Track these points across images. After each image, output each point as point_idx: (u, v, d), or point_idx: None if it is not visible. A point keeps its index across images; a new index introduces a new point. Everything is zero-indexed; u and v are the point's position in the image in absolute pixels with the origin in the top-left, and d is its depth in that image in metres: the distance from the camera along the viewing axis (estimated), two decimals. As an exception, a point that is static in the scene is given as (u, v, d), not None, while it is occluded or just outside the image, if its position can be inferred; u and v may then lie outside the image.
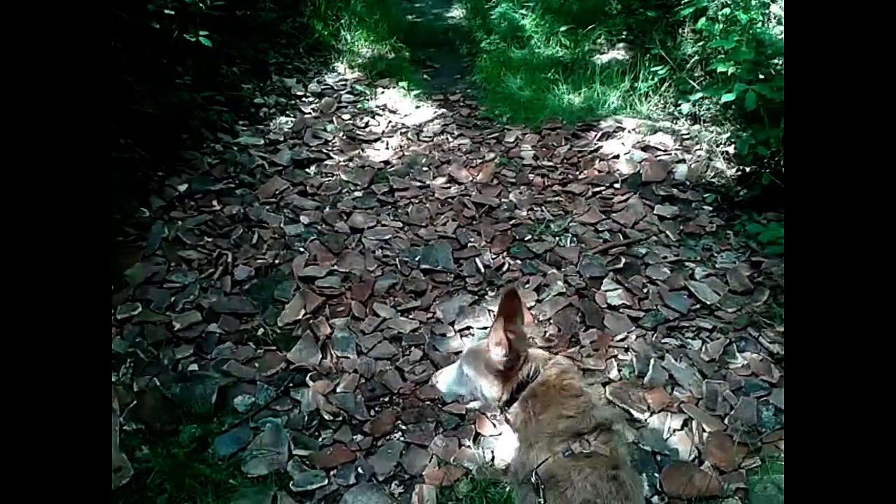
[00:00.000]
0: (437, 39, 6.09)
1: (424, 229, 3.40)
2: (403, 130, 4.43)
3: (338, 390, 2.48)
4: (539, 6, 6.15)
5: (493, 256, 3.16)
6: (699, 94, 3.93)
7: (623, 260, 3.08)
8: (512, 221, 3.41)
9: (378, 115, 4.62)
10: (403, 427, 2.34)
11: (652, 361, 2.53)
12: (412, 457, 2.23)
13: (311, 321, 2.78)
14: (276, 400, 2.43)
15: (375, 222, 3.46)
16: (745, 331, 2.67)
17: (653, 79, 4.46)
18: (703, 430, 2.25)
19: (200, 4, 3.68)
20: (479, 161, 4.01)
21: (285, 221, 3.41)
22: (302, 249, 3.21)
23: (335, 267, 3.10)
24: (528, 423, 1.48)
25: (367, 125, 4.48)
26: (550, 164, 3.95)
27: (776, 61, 3.46)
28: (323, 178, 3.84)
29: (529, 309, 2.82)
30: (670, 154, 3.87)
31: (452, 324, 2.78)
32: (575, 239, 3.27)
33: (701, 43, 4.33)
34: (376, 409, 2.43)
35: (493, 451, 2.23)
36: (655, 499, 2.07)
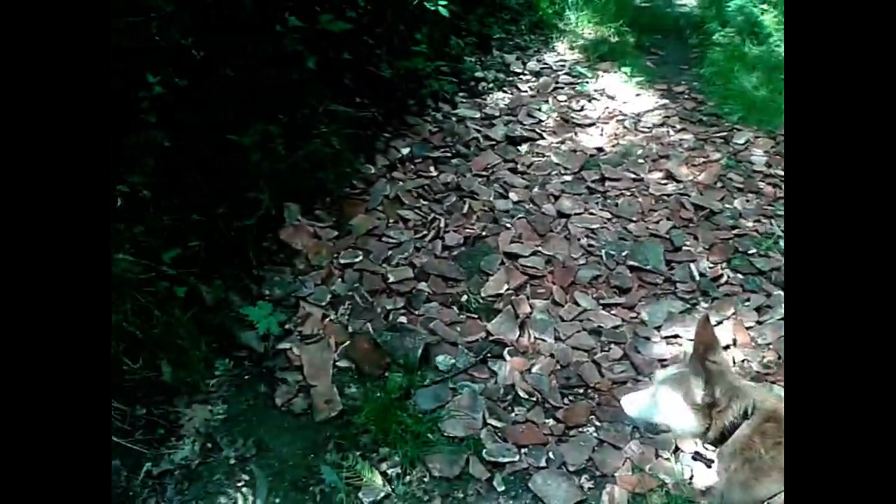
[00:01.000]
0: (665, 26, 5.75)
1: (634, 224, 3.27)
2: (620, 118, 4.27)
3: (533, 370, 2.49)
4: (781, 3, 5.56)
5: (711, 265, 2.96)
6: None
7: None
8: (735, 230, 3.16)
9: (595, 99, 4.50)
10: (598, 423, 2.30)
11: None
12: (604, 455, 2.18)
13: (512, 297, 2.81)
14: (475, 366, 2.50)
15: (583, 209, 3.39)
16: None
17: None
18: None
19: (437, -28, 3.80)
20: (702, 160, 3.75)
21: (495, 196, 3.46)
22: (509, 225, 3.24)
23: (539, 248, 3.09)
24: (756, 459, 1.40)
25: (582, 108, 4.38)
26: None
27: None
28: (534, 158, 3.83)
29: (748, 329, 2.60)
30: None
31: (658, 328, 2.66)
32: (808, 261, 2.94)
33: None
34: (570, 398, 2.41)
35: (692, 470, 2.11)
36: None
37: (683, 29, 5.66)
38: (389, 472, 2.10)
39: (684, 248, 3.07)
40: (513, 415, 2.33)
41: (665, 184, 3.58)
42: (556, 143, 3.99)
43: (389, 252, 3.01)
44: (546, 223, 3.28)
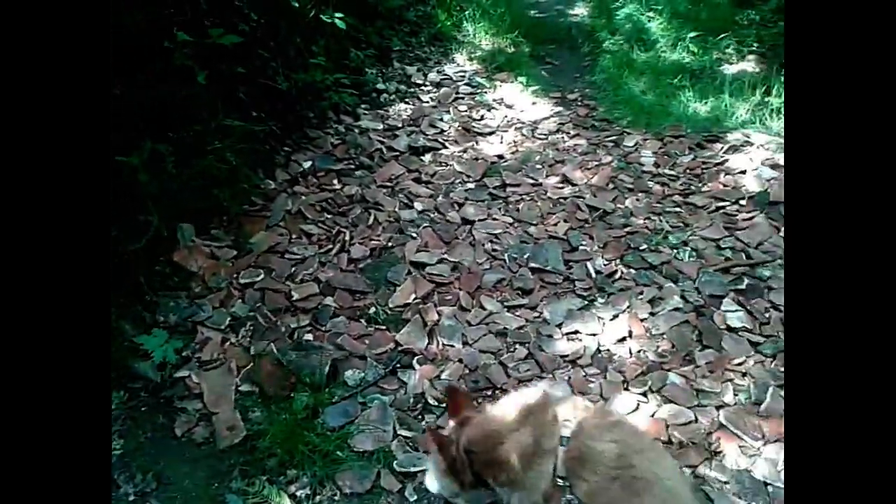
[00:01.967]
0: (558, 36, 6.00)
1: (535, 227, 3.38)
2: (519, 126, 4.41)
3: (442, 377, 2.51)
4: (667, 10, 5.93)
5: (606, 262, 3.09)
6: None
7: (746, 280, 2.92)
8: (627, 228, 3.32)
9: (494, 108, 4.62)
10: (506, 423, 2.34)
11: (770, 390, 2.39)
12: (514, 454, 2.22)
13: (420, 306, 2.82)
14: (384, 378, 2.49)
15: (486, 215, 3.47)
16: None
17: (788, 93, 4.19)
18: (827, 472, 2.11)
19: (336, -14, 3.81)
20: (595, 163, 3.93)
21: (400, 206, 3.48)
22: (414, 235, 3.26)
23: (445, 255, 3.13)
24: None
25: (482, 118, 4.49)
26: (672, 172, 3.80)
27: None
28: (437, 167, 3.89)
29: (642, 321, 2.74)
30: (803, 174, 3.63)
31: (559, 326, 2.75)
32: (694, 253, 3.14)
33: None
34: (480, 400, 2.43)
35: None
36: (767, 535, 1.96)
37: (576, 38, 5.92)
38: (298, 493, 2.05)
39: (581, 247, 3.20)
40: (423, 423, 2.33)
41: (562, 187, 3.71)
42: (459, 151, 4.06)
43: (293, 268, 2.96)
44: (451, 231, 3.33)
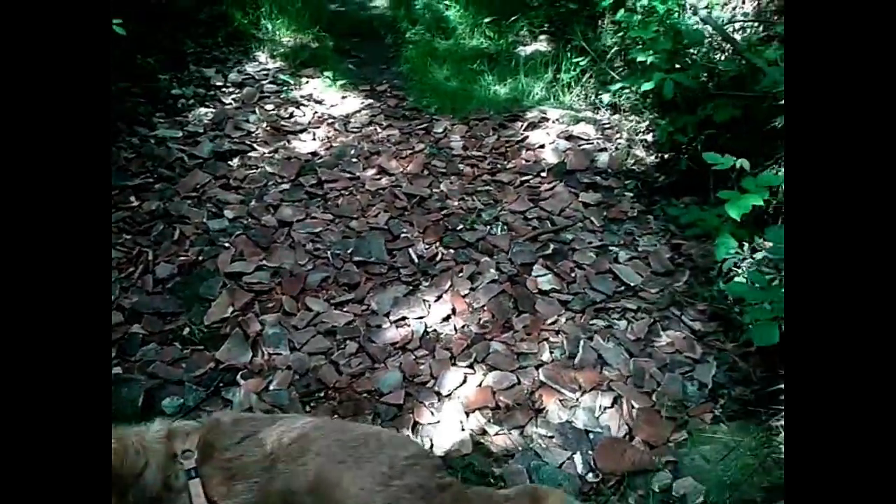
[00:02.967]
0: (360, 29, 5.99)
1: (356, 221, 3.37)
2: (330, 121, 4.35)
3: (271, 388, 2.42)
4: (462, -2, 6.17)
5: (426, 246, 3.17)
6: (619, 85, 4.06)
7: (552, 246, 3.15)
8: (443, 211, 3.42)
9: (303, 105, 4.52)
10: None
11: (581, 343, 2.61)
12: (351, 450, 2.20)
13: (239, 318, 2.70)
14: (207, 400, 2.36)
15: (305, 215, 3.39)
16: (668, 310, 2.79)
17: (575, 70, 4.57)
18: (633, 407, 2.35)
19: (109, -11, 3.48)
20: (408, 152, 4.00)
21: (208, 216, 3.29)
22: (227, 245, 3.10)
23: (264, 262, 3.02)
24: None
25: (291, 116, 4.37)
26: (479, 154, 3.98)
27: (693, 51, 3.62)
28: (247, 171, 3.72)
29: (464, 297, 2.84)
30: (592, 143, 3.99)
31: (387, 315, 2.77)
32: (505, 227, 3.32)
33: (620, 34, 4.46)
34: (312, 404, 2.40)
35: (431, 439, 2.25)
36: (590, 475, 2.14)
37: (378, 30, 5.96)
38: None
39: (402, 235, 3.25)
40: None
41: (379, 178, 3.74)
42: (269, 152, 3.93)
43: (90, 299, 2.68)
44: (268, 235, 3.21)
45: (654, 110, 4.00)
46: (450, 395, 2.41)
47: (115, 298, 2.71)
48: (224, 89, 4.55)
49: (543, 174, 3.73)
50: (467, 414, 2.34)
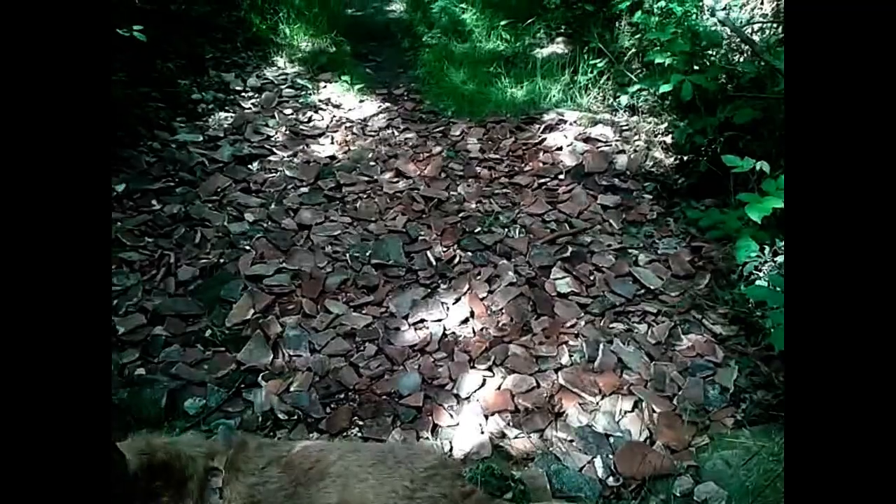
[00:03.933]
0: (378, 33, 6.04)
1: (374, 224, 3.38)
2: (348, 125, 4.38)
3: (291, 389, 2.44)
4: (479, 0, 6.18)
5: (444, 249, 3.17)
6: (637, 86, 4.04)
7: (570, 249, 3.14)
8: (461, 214, 3.43)
9: (321, 109, 4.56)
10: (360, 423, 2.33)
11: (601, 346, 2.60)
12: (371, 452, 2.21)
13: (260, 320, 2.72)
14: (228, 402, 2.37)
15: (323, 218, 3.42)
16: (688, 313, 2.77)
17: (592, 72, 4.56)
18: (653, 411, 2.33)
19: (133, -2, 3.55)
20: (425, 155, 4.01)
21: (229, 219, 3.33)
22: (248, 248, 3.13)
23: (283, 264, 3.04)
24: None
25: (310, 120, 4.41)
26: (496, 156, 3.98)
27: (711, 52, 3.60)
28: (267, 175, 3.76)
29: (482, 300, 2.85)
30: (611, 145, 3.98)
31: (406, 317, 2.78)
32: (523, 230, 3.32)
33: (637, 36, 4.45)
34: (332, 406, 2.41)
35: (451, 442, 2.25)
36: (610, 480, 2.13)
37: (395, 34, 6.00)
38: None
39: (420, 238, 3.26)
40: (275, 439, 2.25)
41: (396, 182, 3.75)
42: (288, 156, 3.96)
43: (115, 301, 2.72)
44: (287, 238, 3.24)
45: (673, 112, 3.98)
46: (469, 397, 2.41)
47: (138, 300, 2.74)
48: (243, 94, 4.60)
49: (561, 176, 3.73)
50: (486, 417, 2.33)
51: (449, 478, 1.57)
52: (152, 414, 2.25)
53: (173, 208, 3.32)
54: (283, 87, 4.76)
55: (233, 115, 4.30)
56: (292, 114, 4.44)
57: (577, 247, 3.17)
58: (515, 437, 2.26)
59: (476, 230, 3.31)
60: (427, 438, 2.25)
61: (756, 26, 3.88)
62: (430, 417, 2.33)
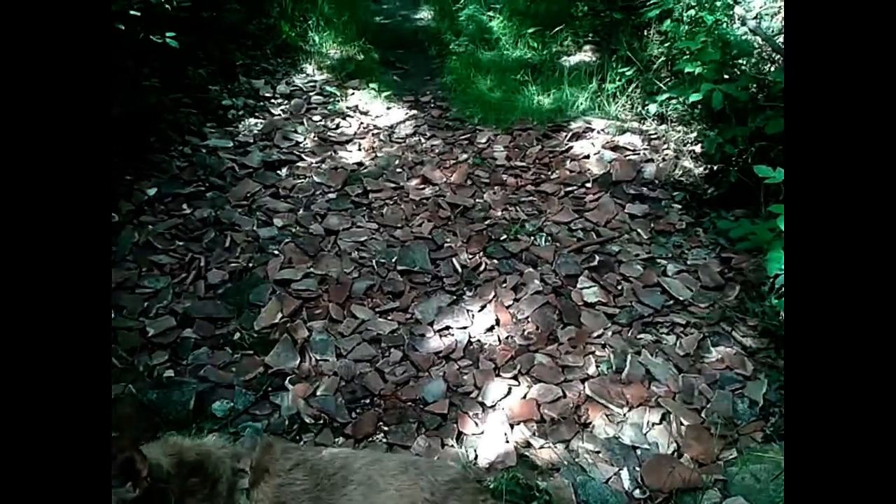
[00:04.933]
0: (405, 41, 6.08)
1: (400, 230, 3.40)
2: (375, 132, 4.42)
3: (318, 393, 2.46)
4: (506, 8, 6.20)
5: (470, 256, 3.18)
6: (666, 95, 4.01)
7: (597, 258, 3.12)
8: (487, 221, 3.43)
9: (349, 116, 4.60)
10: (385, 429, 2.34)
11: (629, 357, 2.58)
12: (396, 458, 2.22)
13: (287, 325, 2.75)
14: (256, 404, 2.40)
15: (350, 224, 3.44)
16: (718, 325, 2.73)
17: (620, 80, 4.53)
18: (682, 424, 2.30)
19: (166, 5, 3.62)
20: (452, 162, 4.02)
21: (258, 224, 3.37)
22: (276, 252, 3.17)
23: (311, 269, 3.07)
24: None
25: (338, 127, 4.45)
26: (523, 164, 3.98)
27: (741, 61, 3.56)
28: (295, 181, 3.80)
29: (507, 308, 2.84)
30: (639, 154, 3.95)
31: (431, 324, 2.79)
32: (549, 238, 3.30)
33: (667, 44, 4.42)
34: (357, 411, 2.42)
35: (476, 450, 2.24)
36: (637, 492, 2.10)
37: (423, 42, 6.03)
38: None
39: (446, 244, 3.26)
40: (301, 443, 2.27)
41: (423, 188, 3.77)
42: (316, 162, 4.00)
43: (146, 303, 2.77)
44: (315, 243, 3.27)
45: (703, 121, 3.94)
46: (494, 406, 2.40)
47: (168, 303, 2.79)
48: (273, 100, 4.67)
49: (588, 185, 3.71)
50: (512, 426, 2.32)
51: (471, 492, 1.56)
52: (180, 415, 2.29)
53: (204, 212, 3.37)
54: (311, 93, 4.81)
55: (262, 121, 4.36)
56: (321, 120, 4.49)
57: (604, 256, 3.15)
58: (541, 447, 2.24)
59: (502, 238, 3.31)
60: (452, 446, 2.25)
61: (788, 35, 3.83)
62: (454, 425, 2.33)
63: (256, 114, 4.46)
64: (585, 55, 5.37)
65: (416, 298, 2.94)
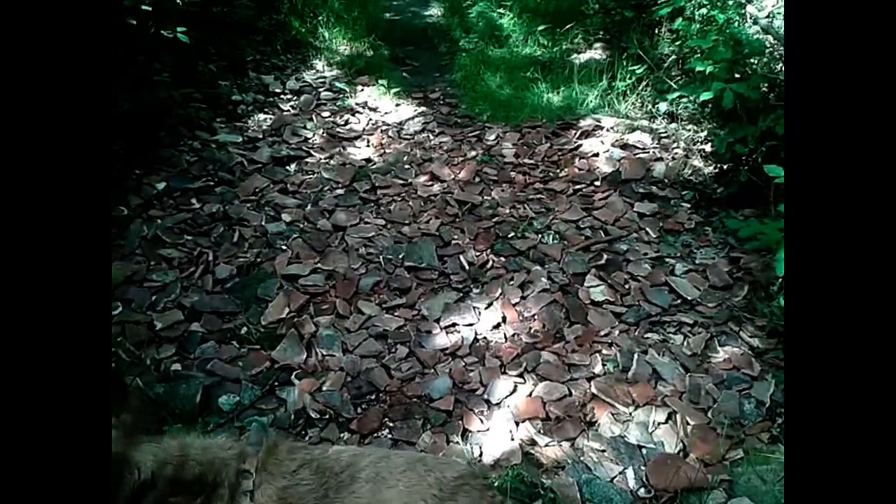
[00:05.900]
0: (415, 37, 6.08)
1: (408, 227, 3.40)
2: (384, 128, 4.42)
3: (324, 388, 2.46)
4: (516, 5, 6.19)
5: (477, 254, 3.17)
6: (676, 93, 3.98)
7: (605, 256, 3.11)
8: (495, 219, 3.42)
9: (358, 112, 4.60)
10: (391, 424, 2.34)
11: (635, 356, 2.57)
12: (401, 454, 2.22)
13: (295, 320, 2.75)
14: (262, 399, 2.41)
15: (358, 220, 3.44)
16: (725, 325, 2.72)
17: (630, 78, 4.51)
18: (688, 423, 2.29)
19: (177, 1, 3.64)
20: (460, 159, 4.02)
21: (266, 219, 3.38)
22: (284, 247, 3.18)
23: (318, 265, 3.08)
24: None
25: (347, 123, 4.46)
26: (531, 161, 3.97)
27: (753, 60, 3.53)
28: (304, 176, 3.81)
29: (514, 305, 2.84)
30: (648, 152, 3.93)
31: (438, 321, 2.79)
32: (557, 236, 3.30)
33: (678, 42, 4.40)
34: (363, 406, 2.42)
35: (480, 447, 2.24)
36: (642, 491, 2.10)
37: (432, 38, 6.02)
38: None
39: (453, 241, 3.26)
40: (307, 438, 2.28)
41: (431, 185, 3.77)
42: (325, 158, 4.01)
43: (154, 297, 2.79)
44: (323, 239, 3.27)
45: (713, 120, 3.92)
46: (499, 403, 2.40)
47: (176, 297, 2.80)
48: (282, 96, 4.68)
49: (597, 183, 3.69)
50: (517, 423, 2.32)
51: (478, 488, 1.56)
52: (187, 409, 2.30)
53: (212, 207, 3.39)
54: (321, 89, 4.82)
55: (272, 116, 4.37)
56: (330, 116, 4.50)
57: (612, 254, 3.14)
58: (546, 445, 2.24)
59: (509, 235, 3.30)
60: (457, 443, 2.25)
61: (801, 33, 3.79)
62: (460, 422, 2.33)
63: (266, 109, 4.47)
64: (596, 53, 5.35)
65: (423, 295, 2.94)
